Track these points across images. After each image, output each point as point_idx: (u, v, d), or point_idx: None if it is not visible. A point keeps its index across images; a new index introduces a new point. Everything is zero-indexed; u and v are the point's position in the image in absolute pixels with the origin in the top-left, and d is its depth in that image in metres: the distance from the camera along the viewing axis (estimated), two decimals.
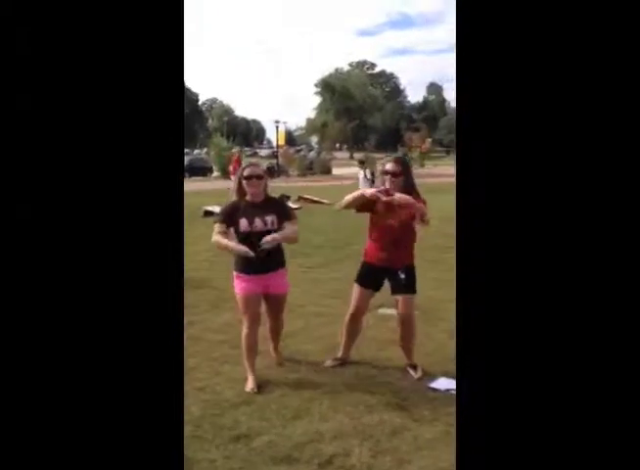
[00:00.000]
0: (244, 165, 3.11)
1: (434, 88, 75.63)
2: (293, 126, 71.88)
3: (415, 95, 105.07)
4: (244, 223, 2.98)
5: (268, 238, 2.92)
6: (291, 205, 13.80)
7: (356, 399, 2.89)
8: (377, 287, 3.26)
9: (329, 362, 3.28)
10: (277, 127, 32.22)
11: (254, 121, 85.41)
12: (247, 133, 76.40)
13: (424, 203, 3.06)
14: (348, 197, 3.11)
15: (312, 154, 41.20)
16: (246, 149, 57.78)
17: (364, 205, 3.11)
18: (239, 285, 3.07)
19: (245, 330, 3.08)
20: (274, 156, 32.60)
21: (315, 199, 14.01)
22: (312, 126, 69.18)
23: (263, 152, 55.34)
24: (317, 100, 69.99)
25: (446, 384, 3.11)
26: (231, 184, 3.40)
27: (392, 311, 3.32)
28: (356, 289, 3.26)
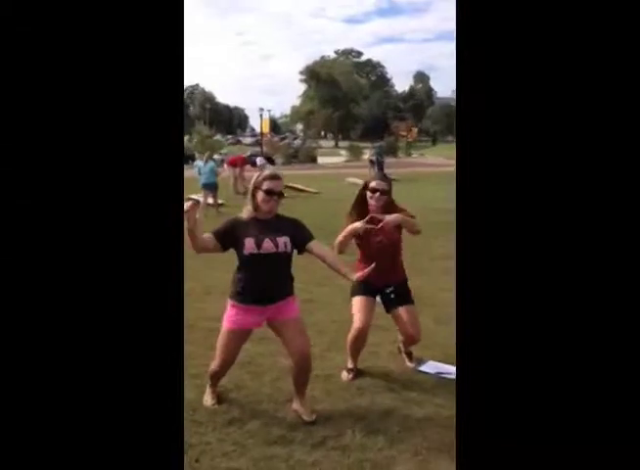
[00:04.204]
0: (263, 176, 2.50)
1: (421, 77, 75.55)
2: (277, 114, 71.50)
3: (402, 84, 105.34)
4: (249, 244, 2.44)
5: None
6: None
7: (347, 383, 2.96)
8: (375, 297, 3.07)
9: (346, 376, 3.05)
10: (261, 115, 32.04)
11: (237, 109, 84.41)
12: (229, 121, 75.60)
13: (407, 214, 2.95)
14: (340, 238, 2.87)
15: (297, 142, 41.10)
16: (228, 137, 57.24)
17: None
18: (230, 317, 2.53)
19: (213, 368, 2.62)
20: (258, 144, 32.43)
21: (301, 188, 14.02)
22: (297, 114, 68.97)
23: (247, 140, 54.70)
24: (302, 88, 69.77)
25: (434, 367, 3.19)
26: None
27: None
28: (357, 301, 3.02)
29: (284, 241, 2.47)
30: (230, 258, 2.61)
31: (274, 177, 2.50)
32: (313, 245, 2.54)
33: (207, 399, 2.70)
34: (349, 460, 2.19)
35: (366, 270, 2.45)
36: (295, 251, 2.56)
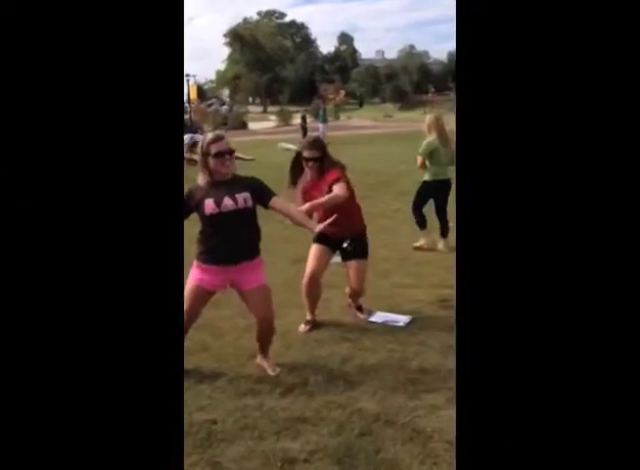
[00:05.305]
0: (207, 141, 2.50)
1: (345, 38, 75.01)
2: (201, 79, 68.95)
3: (326, 46, 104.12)
4: (209, 204, 2.46)
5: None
6: None
7: (305, 336, 3.16)
8: (333, 249, 3.27)
9: (302, 328, 3.27)
10: (187, 81, 30.79)
11: None
12: None
13: (342, 168, 3.11)
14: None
15: (225, 108, 40.07)
16: None
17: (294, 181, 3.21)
18: (194, 276, 2.58)
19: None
20: (185, 112, 31.35)
21: (239, 155, 13.83)
22: (223, 79, 66.88)
23: None
24: (226, 51, 67.61)
25: (382, 317, 3.45)
26: None
27: (338, 259, 3.39)
28: (313, 248, 3.25)
29: (243, 197, 2.48)
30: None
31: (218, 139, 2.51)
32: (274, 201, 2.56)
33: None
34: (316, 403, 2.39)
35: (325, 223, 2.60)
36: (257, 210, 2.59)
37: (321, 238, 3.21)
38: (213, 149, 2.48)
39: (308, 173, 3.15)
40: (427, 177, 5.10)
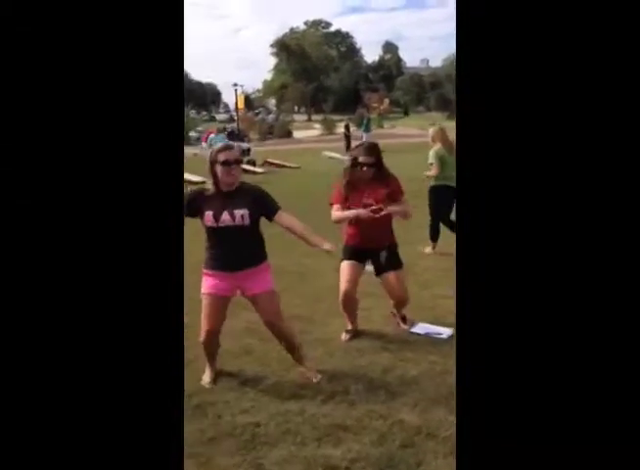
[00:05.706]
0: (217, 148, 2.58)
1: (390, 47, 74.96)
2: (249, 89, 70.38)
3: (371, 54, 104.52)
4: (209, 217, 2.53)
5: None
6: (256, 169, 13.79)
7: (347, 345, 3.18)
8: (363, 263, 3.26)
9: (343, 336, 3.30)
10: (236, 91, 31.54)
11: (209, 85, 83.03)
12: (202, 97, 74.33)
13: (397, 182, 3.19)
14: (341, 216, 3.12)
15: (271, 117, 40.80)
16: (203, 113, 56.62)
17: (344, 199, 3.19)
18: (205, 283, 2.65)
19: (202, 336, 2.68)
20: (233, 120, 32.07)
21: (282, 163, 14.11)
22: (269, 88, 68.06)
23: (221, 116, 54.09)
24: (272, 61, 68.80)
25: (424, 328, 3.42)
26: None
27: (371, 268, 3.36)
28: (344, 265, 3.22)
29: (241, 214, 2.50)
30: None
31: (227, 148, 2.57)
32: (279, 217, 2.58)
33: (205, 378, 2.76)
34: (357, 412, 2.41)
35: (330, 246, 2.56)
36: (260, 221, 2.63)
37: (348, 253, 3.22)
38: (221, 157, 2.51)
39: (360, 179, 3.17)
40: (433, 182, 5.34)
